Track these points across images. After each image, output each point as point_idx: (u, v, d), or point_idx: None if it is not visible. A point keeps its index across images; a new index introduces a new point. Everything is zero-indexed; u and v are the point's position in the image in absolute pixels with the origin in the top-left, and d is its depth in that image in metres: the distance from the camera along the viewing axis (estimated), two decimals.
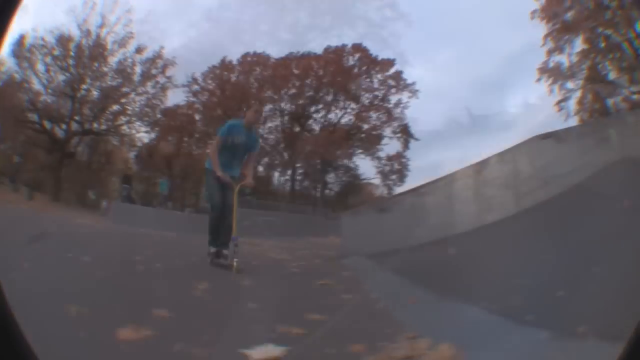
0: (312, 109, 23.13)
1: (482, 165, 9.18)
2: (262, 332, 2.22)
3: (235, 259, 5.24)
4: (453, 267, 5.16)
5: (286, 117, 22.77)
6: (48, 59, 19.73)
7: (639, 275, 2.53)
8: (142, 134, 21.90)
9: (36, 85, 19.83)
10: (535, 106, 37.10)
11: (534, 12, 22.14)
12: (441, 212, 8.77)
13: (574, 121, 22.31)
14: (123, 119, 21.41)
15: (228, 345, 2.01)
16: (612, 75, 22.28)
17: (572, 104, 22.78)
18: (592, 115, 22.64)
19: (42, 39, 19.43)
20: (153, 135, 22.10)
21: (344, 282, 5.45)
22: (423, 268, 5.74)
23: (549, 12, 22.03)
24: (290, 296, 3.71)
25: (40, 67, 19.69)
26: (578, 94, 22.81)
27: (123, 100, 21.19)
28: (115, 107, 21.34)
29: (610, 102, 22.55)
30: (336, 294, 4.29)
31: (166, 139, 22.08)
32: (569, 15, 21.85)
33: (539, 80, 22.68)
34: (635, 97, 21.74)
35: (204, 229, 5.89)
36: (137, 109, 21.49)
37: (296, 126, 22.83)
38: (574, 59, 22.33)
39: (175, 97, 22.16)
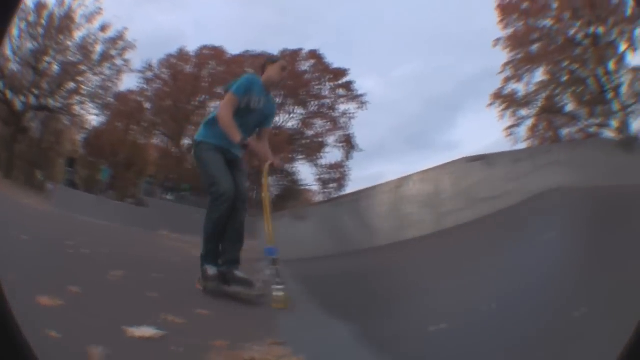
0: None
1: (403, 182, 9.18)
2: (148, 317, 2.36)
3: (278, 285, 3.46)
4: (351, 283, 5.17)
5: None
6: (23, 25, 19.43)
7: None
8: (93, 117, 21.75)
9: (8, 50, 19.40)
10: (484, 129, 38.80)
11: (497, 40, 22.95)
12: (356, 225, 8.78)
13: (522, 146, 22.78)
14: (77, 98, 21.22)
15: (114, 321, 2.19)
16: (570, 107, 23.10)
17: (523, 130, 23.45)
18: (543, 143, 23.20)
19: (24, 2, 19.13)
20: (103, 119, 21.93)
21: None
22: (322, 279, 5.75)
23: (515, 41, 22.69)
24: (185, 289, 3.75)
25: (15, 31, 19.25)
26: (531, 121, 23.55)
27: (79, 79, 20.96)
28: (71, 85, 21.14)
29: (564, 132, 23.35)
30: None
31: (114, 125, 21.76)
32: (535, 47, 22.56)
33: (491, 105, 23.34)
34: (592, 129, 22.42)
35: (142, 222, 5.50)
36: (91, 90, 21.28)
37: None
38: (532, 88, 23.02)
39: (129, 82, 22.70)
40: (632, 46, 21.30)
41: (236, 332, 2.59)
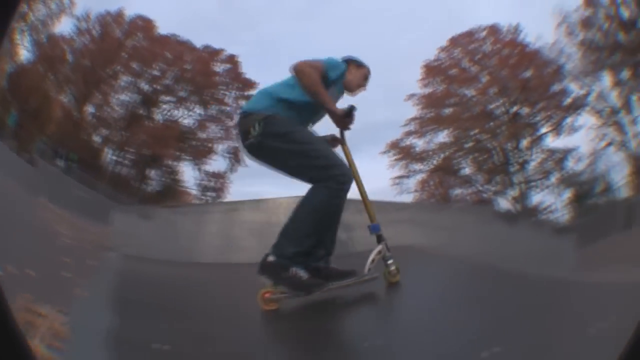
0: (164, 98, 23.41)
1: (237, 205, 9.77)
2: None
3: (390, 260, 3.65)
4: (160, 289, 5.19)
5: (139, 96, 22.58)
6: None
7: None
8: (25, 51, 21.13)
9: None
10: (373, 174, 40.28)
11: (412, 95, 24.58)
12: (185, 237, 9.10)
13: (407, 198, 24.54)
14: (22, 24, 20.51)
15: None
16: (468, 171, 25.02)
17: (413, 183, 24.98)
18: (431, 198, 25.14)
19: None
20: (31, 56, 21.30)
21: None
22: (138, 278, 5.79)
23: (430, 101, 24.39)
24: None
25: None
26: (422, 176, 25.12)
27: (24, 5, 20.23)
28: (24, 7, 20.25)
29: (456, 192, 25.23)
30: None
31: (37, 67, 21.25)
32: (449, 110, 24.31)
33: (384, 153, 24.65)
34: (486, 195, 24.54)
35: (26, 182, 5.94)
36: (35, 20, 20.82)
37: (143, 109, 22.73)
38: (432, 146, 24.67)
39: (65, 26, 21.60)
40: (556, 131, 23.85)
41: None
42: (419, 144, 25.08)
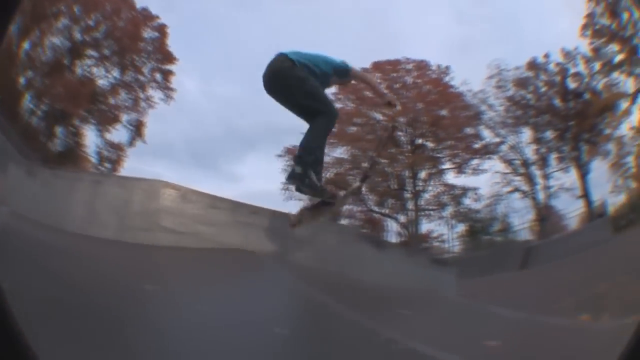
0: (90, 52, 23.18)
1: (103, 179, 10.53)
2: None
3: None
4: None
5: (69, 44, 22.20)
6: None
7: None
8: None
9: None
10: (267, 176, 41.23)
11: None
12: (59, 203, 8.89)
13: (295, 205, 24.90)
14: None
15: None
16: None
17: None
18: None
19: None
20: None
21: None
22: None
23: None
24: None
25: None
26: None
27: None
28: None
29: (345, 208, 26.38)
30: None
31: None
32: (354, 129, 26.16)
33: (281, 156, 26.22)
34: (375, 215, 27.07)
35: None
36: None
37: (68, 59, 22.16)
38: (328, 159, 25.43)
39: None
40: (459, 169, 26.62)
41: None
42: None
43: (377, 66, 26.62)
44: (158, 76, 24.23)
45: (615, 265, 7.46)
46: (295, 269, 7.99)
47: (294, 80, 4.65)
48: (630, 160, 22.56)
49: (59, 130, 22.63)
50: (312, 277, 7.68)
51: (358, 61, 31.49)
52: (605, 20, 23.53)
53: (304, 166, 4.42)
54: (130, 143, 24.04)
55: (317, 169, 4.49)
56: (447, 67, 26.70)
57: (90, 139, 23.41)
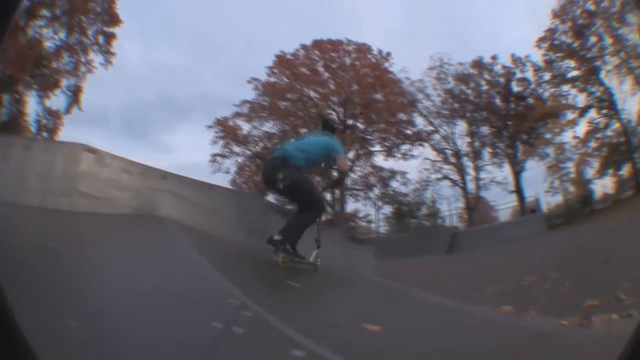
0: (44, 12, 22.65)
1: (38, 143, 9.83)
2: None
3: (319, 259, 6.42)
4: None
5: (28, 2, 21.47)
6: None
7: None
8: None
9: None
10: (196, 147, 41.77)
11: (255, 79, 26.86)
12: None
13: (221, 176, 26.78)
14: None
15: None
16: None
17: (231, 164, 27.16)
18: (252, 181, 27.51)
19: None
20: None
21: None
22: None
23: (271, 90, 26.64)
24: None
25: None
26: (242, 160, 27.47)
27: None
28: None
29: None
30: None
31: None
32: (286, 104, 26.76)
33: (210, 127, 26.69)
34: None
35: None
36: None
37: (24, 19, 21.55)
38: (257, 132, 27.18)
39: None
40: (388, 153, 27.78)
41: None
42: (246, 127, 26.92)
43: (318, 45, 27.18)
44: (101, 39, 24.14)
45: (548, 260, 7.25)
46: (197, 234, 8.08)
47: (288, 182, 5.99)
48: (571, 166, 24.50)
49: (5, 98, 22.26)
50: (214, 243, 7.92)
51: (301, 36, 32.71)
52: (566, 38, 24.88)
53: (283, 239, 5.87)
54: (67, 110, 23.83)
55: (294, 243, 5.97)
56: (388, 54, 27.34)
57: (32, 106, 23.12)
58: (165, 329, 2.81)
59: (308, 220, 6.16)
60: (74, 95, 23.82)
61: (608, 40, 23.33)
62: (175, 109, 37.53)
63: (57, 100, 23.45)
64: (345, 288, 6.32)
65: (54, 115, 23.45)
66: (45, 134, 22.87)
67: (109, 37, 24.11)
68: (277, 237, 5.85)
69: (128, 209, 8.48)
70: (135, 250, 5.56)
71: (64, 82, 23.62)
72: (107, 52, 24.14)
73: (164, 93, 37.64)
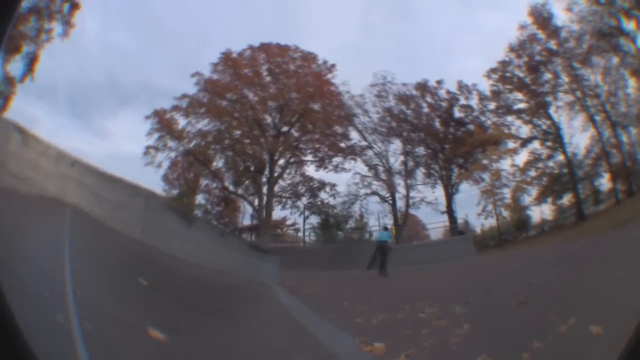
0: None
1: None
2: None
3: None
4: None
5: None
6: None
7: None
8: None
9: None
10: (132, 137, 38.28)
11: (197, 74, 26.89)
12: None
13: (152, 170, 26.43)
14: None
15: None
16: (221, 167, 28.07)
17: (164, 158, 26.90)
18: (184, 178, 28.01)
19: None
20: None
21: None
22: None
23: (211, 87, 26.84)
24: None
25: None
26: (175, 155, 27.31)
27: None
28: None
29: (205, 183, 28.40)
30: None
31: None
32: (226, 103, 27.01)
33: (148, 118, 26.73)
34: (227, 194, 28.14)
35: None
36: None
37: None
38: (192, 128, 27.13)
39: None
40: (320, 164, 28.40)
41: None
42: (183, 122, 26.98)
43: (265, 48, 27.62)
44: (66, 7, 23.41)
45: (460, 287, 7.47)
46: (92, 222, 8.33)
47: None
48: (507, 192, 25.88)
49: None
50: (107, 232, 8.20)
51: (250, 37, 32.11)
52: (519, 72, 26.39)
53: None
54: (22, 79, 22.95)
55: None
56: (333, 65, 28.02)
57: None
58: None
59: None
60: (31, 63, 23.13)
61: (564, 79, 25.04)
62: (120, 94, 36.89)
63: (13, 67, 22.74)
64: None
65: (10, 82, 22.59)
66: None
67: (74, 5, 23.57)
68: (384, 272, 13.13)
69: (40, 191, 8.68)
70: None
71: (24, 48, 22.96)
72: (67, 23, 23.44)
73: (111, 76, 36.24)
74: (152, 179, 26.91)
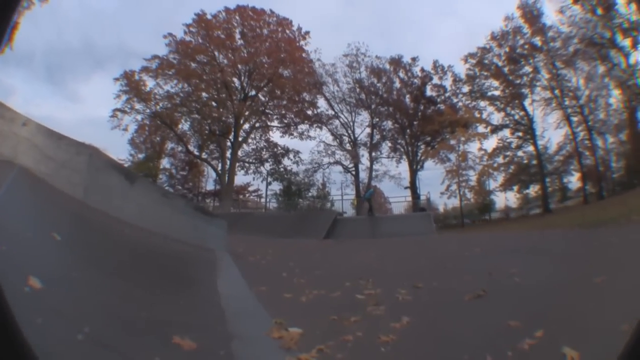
0: None
1: None
2: None
3: None
4: None
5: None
6: None
7: None
8: None
9: None
10: (104, 101, 41.45)
11: (169, 35, 26.50)
12: None
13: (119, 134, 26.32)
14: None
15: None
16: (187, 129, 27.91)
17: (131, 121, 26.48)
18: (150, 141, 27.64)
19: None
20: None
21: None
22: None
23: (182, 48, 26.41)
24: None
25: None
26: (142, 119, 26.70)
27: None
28: None
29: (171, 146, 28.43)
30: None
31: None
32: (193, 65, 26.43)
33: (117, 81, 25.99)
34: (192, 157, 28.14)
35: None
36: None
37: None
38: (160, 90, 26.60)
39: None
40: (286, 130, 28.26)
41: None
42: (151, 84, 26.31)
43: (240, 10, 27.28)
44: None
45: (413, 267, 7.11)
46: (36, 181, 8.04)
47: None
48: (472, 174, 26.43)
49: None
50: (48, 191, 7.91)
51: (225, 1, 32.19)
52: (498, 61, 26.66)
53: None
54: (1, 49, 22.07)
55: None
56: (307, 33, 27.80)
57: None
58: None
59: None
60: (10, 31, 21.88)
61: (544, 75, 25.24)
62: (95, 58, 37.19)
63: None
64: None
65: None
66: None
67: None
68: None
69: None
70: None
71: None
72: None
73: (87, 39, 36.23)
74: (119, 143, 27.49)
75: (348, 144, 29.16)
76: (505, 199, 26.94)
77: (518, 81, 26.19)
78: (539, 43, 25.33)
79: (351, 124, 29.17)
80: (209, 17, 26.67)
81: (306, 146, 28.37)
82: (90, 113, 34.29)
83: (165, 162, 28.71)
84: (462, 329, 3.22)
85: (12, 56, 23.80)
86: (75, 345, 2.20)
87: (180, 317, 3.60)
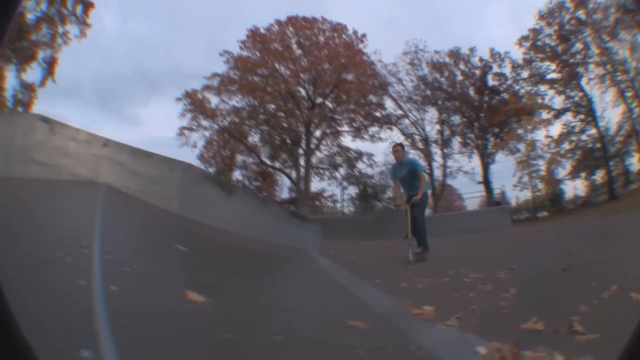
0: None
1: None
2: None
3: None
4: None
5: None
6: None
7: None
8: None
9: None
10: (165, 122, 43.29)
11: (227, 52, 26.61)
12: None
13: (188, 151, 26.50)
14: None
15: None
16: (257, 142, 28.06)
17: (199, 138, 26.94)
18: (220, 156, 27.89)
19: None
20: None
21: None
22: None
23: (242, 64, 26.42)
24: None
25: None
26: (210, 134, 27.26)
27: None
28: None
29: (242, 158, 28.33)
30: None
31: None
32: (258, 79, 26.62)
33: (180, 100, 26.53)
34: (269, 169, 27.95)
35: None
36: None
37: None
38: (225, 107, 26.95)
39: None
40: (356, 134, 27.86)
41: None
42: (215, 101, 26.72)
43: (292, 21, 27.23)
44: (79, 9, 23.51)
45: (501, 256, 7.11)
46: (126, 198, 8.14)
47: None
48: (542, 164, 25.22)
49: None
50: (142, 206, 7.97)
51: (273, 12, 33.53)
52: (550, 41, 25.27)
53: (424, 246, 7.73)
54: (42, 83, 23.22)
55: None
56: (364, 35, 27.40)
57: (10, 81, 22.53)
58: None
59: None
60: (49, 67, 23.29)
61: (595, 50, 23.62)
62: (149, 83, 37.44)
63: (32, 73, 23.00)
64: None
65: (28, 89, 22.91)
66: (20, 109, 22.19)
67: (87, 6, 23.60)
68: (419, 250, 7.57)
69: (71, 176, 8.46)
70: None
71: (40, 54, 23.13)
72: (82, 23, 23.55)
73: (138, 67, 37.07)
74: (188, 160, 26.79)
75: (420, 142, 28.48)
76: (574, 187, 25.33)
77: (572, 60, 24.50)
78: (583, 16, 23.77)
79: (420, 121, 28.41)
80: (262, 31, 26.75)
81: (378, 148, 27.91)
82: (154, 134, 34.91)
83: (237, 175, 28.75)
84: (558, 291, 3.63)
85: (56, 89, 24.45)
86: None
87: (327, 306, 3.94)
